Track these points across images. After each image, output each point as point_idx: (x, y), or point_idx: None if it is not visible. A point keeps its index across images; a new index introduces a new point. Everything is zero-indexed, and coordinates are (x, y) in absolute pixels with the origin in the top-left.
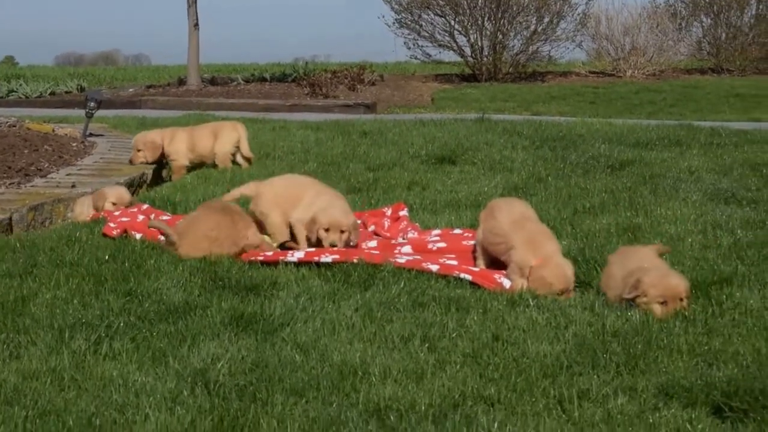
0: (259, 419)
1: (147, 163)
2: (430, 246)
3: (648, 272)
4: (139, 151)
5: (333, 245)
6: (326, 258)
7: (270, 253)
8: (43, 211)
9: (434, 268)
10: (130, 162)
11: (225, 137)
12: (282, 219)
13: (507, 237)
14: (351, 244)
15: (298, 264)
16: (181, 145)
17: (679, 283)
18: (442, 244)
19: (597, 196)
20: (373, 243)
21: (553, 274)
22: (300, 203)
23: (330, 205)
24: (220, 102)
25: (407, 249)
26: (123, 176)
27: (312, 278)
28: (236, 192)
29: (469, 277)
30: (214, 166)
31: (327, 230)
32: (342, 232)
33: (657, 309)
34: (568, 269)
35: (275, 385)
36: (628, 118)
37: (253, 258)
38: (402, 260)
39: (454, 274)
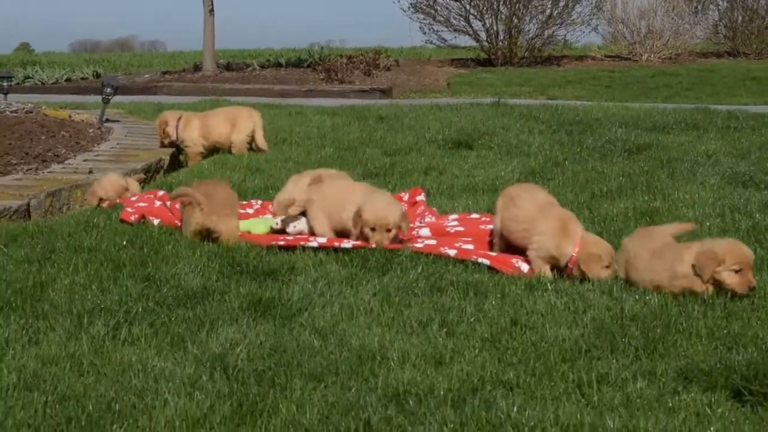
0: (278, 404)
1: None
2: (448, 229)
3: (716, 243)
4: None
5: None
6: (346, 244)
7: (290, 237)
8: (60, 197)
9: (452, 252)
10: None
11: (241, 126)
12: (329, 227)
13: (533, 224)
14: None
15: (317, 249)
16: (194, 132)
17: (748, 250)
18: (459, 228)
19: (614, 180)
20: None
21: (599, 249)
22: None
23: (376, 199)
24: (235, 88)
25: (425, 231)
26: (140, 162)
27: (329, 263)
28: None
29: (487, 261)
30: (230, 151)
31: (373, 229)
32: (388, 230)
33: (732, 279)
34: (606, 243)
35: (294, 369)
36: (645, 102)
37: (273, 242)
38: (419, 245)
39: (472, 259)
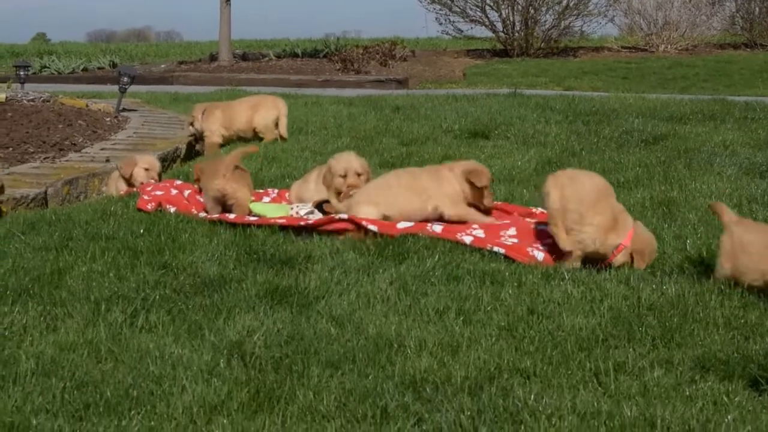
0: (295, 391)
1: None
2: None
3: None
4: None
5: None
6: (372, 227)
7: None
8: (77, 185)
9: (468, 240)
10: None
11: (264, 112)
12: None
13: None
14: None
15: (333, 236)
16: (215, 122)
17: None
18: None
19: (631, 170)
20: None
21: (649, 235)
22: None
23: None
24: (251, 78)
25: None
26: (157, 151)
27: (346, 251)
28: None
29: (502, 250)
30: (257, 138)
31: (343, 176)
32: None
33: None
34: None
35: (311, 357)
36: (661, 93)
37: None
38: (438, 229)
39: (488, 248)
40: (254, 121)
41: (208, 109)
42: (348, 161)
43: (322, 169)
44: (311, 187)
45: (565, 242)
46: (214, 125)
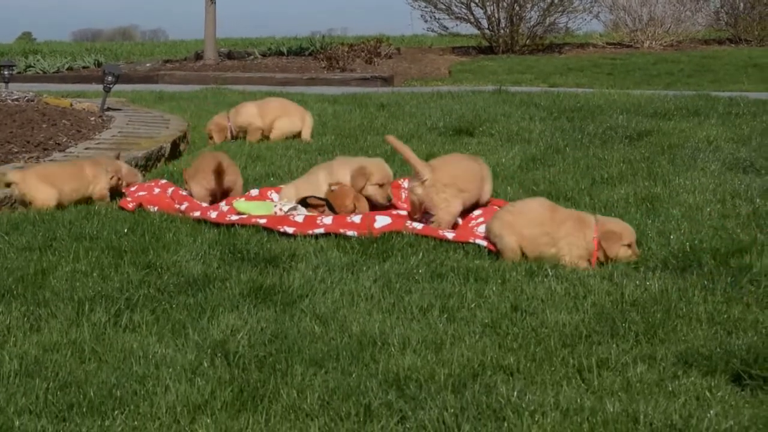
0: (279, 389)
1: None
2: None
3: None
4: (210, 138)
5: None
6: (350, 232)
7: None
8: None
9: (450, 235)
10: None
11: (289, 119)
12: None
13: (553, 236)
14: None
15: (317, 236)
16: (251, 116)
17: None
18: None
19: (615, 166)
20: (401, 211)
21: (618, 227)
22: None
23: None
24: (237, 76)
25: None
26: (141, 150)
27: (330, 250)
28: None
29: (484, 242)
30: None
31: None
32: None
33: None
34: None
35: (295, 355)
36: (646, 89)
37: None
38: (419, 226)
39: (470, 241)
40: (277, 123)
41: (237, 108)
42: (386, 170)
43: (331, 168)
44: (323, 189)
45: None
46: (252, 117)
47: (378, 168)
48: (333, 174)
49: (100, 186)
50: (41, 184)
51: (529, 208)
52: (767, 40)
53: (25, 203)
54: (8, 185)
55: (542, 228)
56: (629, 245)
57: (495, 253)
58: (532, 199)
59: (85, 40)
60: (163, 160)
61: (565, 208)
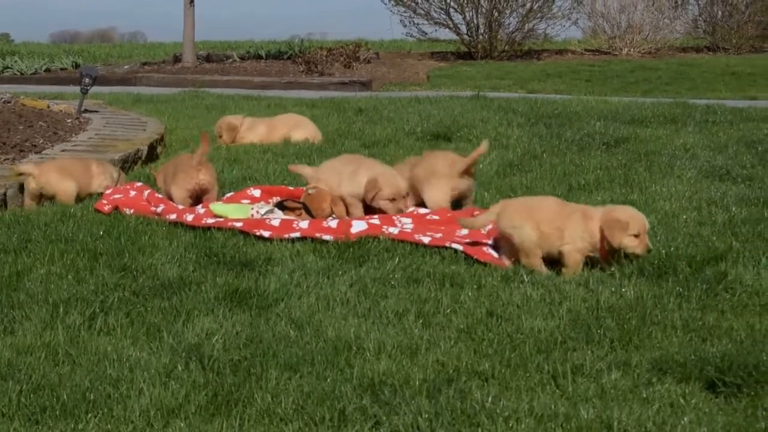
0: (253, 394)
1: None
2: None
3: None
4: (220, 137)
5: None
6: (326, 236)
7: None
8: None
9: (426, 240)
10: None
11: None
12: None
13: (562, 231)
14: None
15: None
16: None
17: None
18: (435, 217)
19: (592, 172)
20: (375, 220)
21: (624, 215)
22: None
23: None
24: (215, 79)
25: (407, 220)
26: (118, 152)
27: (306, 254)
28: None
29: (460, 247)
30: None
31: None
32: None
33: None
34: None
35: (269, 360)
36: (624, 96)
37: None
38: (395, 231)
39: (446, 245)
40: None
41: (250, 121)
42: (398, 184)
43: (372, 166)
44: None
45: (573, 268)
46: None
47: (389, 182)
48: (356, 179)
49: (100, 184)
50: (63, 177)
51: (545, 204)
52: (745, 49)
53: (38, 196)
54: (19, 174)
55: (554, 223)
56: (636, 235)
57: (471, 257)
58: (540, 197)
59: (64, 41)
60: (140, 162)
61: (573, 203)
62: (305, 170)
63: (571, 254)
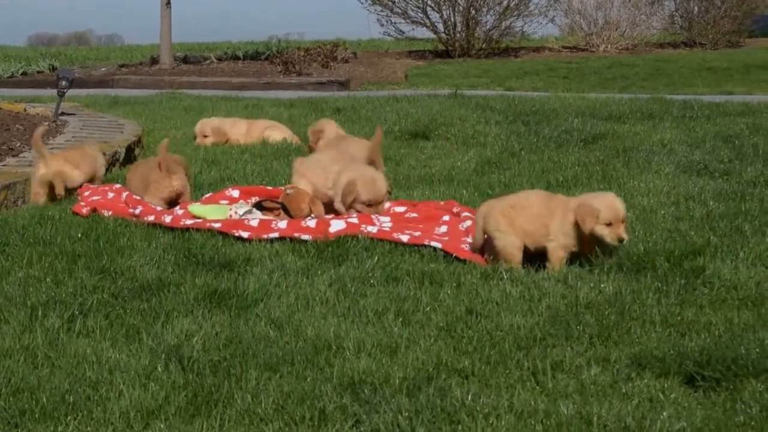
0: (233, 394)
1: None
2: (406, 216)
3: None
4: (205, 136)
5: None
6: (305, 236)
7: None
8: (15, 190)
9: (404, 238)
10: None
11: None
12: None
13: (546, 226)
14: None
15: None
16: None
17: None
18: (414, 215)
19: (570, 169)
20: (353, 219)
21: (598, 202)
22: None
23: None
24: (192, 81)
25: (386, 218)
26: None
27: (285, 254)
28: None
29: (439, 245)
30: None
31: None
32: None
33: None
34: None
35: (249, 360)
36: (601, 93)
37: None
38: (373, 230)
39: (425, 243)
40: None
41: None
42: (378, 189)
43: (357, 168)
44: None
45: (556, 265)
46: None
47: (367, 187)
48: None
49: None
50: (72, 167)
51: (531, 201)
52: (721, 44)
53: (45, 186)
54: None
55: (540, 220)
56: (609, 224)
57: (450, 255)
58: (528, 191)
59: (41, 44)
60: (118, 164)
61: (561, 196)
62: (294, 163)
63: (555, 251)
